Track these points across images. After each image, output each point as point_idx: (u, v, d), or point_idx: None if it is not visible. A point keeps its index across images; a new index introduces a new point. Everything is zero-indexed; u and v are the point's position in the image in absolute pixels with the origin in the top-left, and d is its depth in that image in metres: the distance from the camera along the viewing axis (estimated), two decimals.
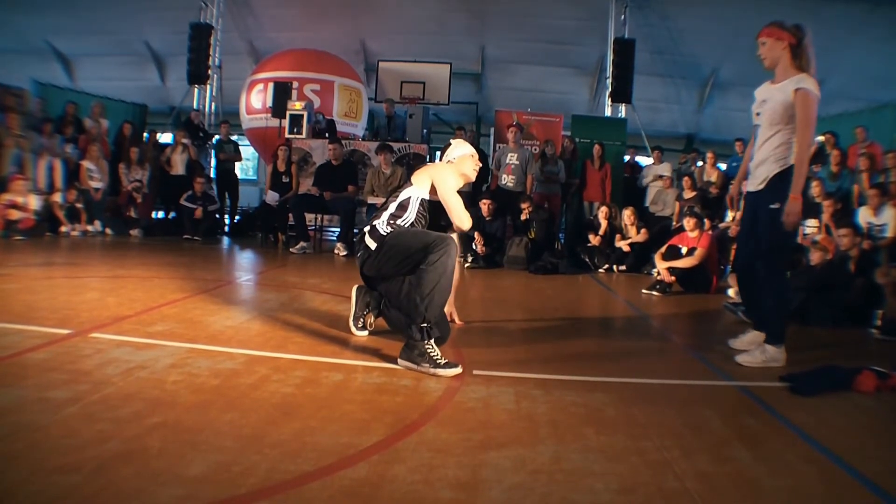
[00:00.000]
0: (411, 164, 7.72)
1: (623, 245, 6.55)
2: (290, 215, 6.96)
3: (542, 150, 7.83)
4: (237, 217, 9.29)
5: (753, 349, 2.83)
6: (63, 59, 13.25)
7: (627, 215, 6.64)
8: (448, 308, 2.74)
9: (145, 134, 9.22)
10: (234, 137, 9.40)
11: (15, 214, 6.36)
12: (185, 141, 8.45)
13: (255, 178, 14.08)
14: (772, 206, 2.74)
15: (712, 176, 7.77)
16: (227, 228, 8.78)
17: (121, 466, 1.42)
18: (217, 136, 9.37)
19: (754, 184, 2.87)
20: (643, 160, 9.59)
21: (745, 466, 1.66)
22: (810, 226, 5.54)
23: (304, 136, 8.13)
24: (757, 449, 1.78)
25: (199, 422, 1.73)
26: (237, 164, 9.36)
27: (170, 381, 2.06)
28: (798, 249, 5.05)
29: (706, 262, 5.21)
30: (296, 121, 8.16)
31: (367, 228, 2.71)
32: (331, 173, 7.02)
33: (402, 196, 2.71)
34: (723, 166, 8.24)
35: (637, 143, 10.28)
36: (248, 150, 12.04)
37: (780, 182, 2.73)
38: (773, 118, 2.75)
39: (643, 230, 6.60)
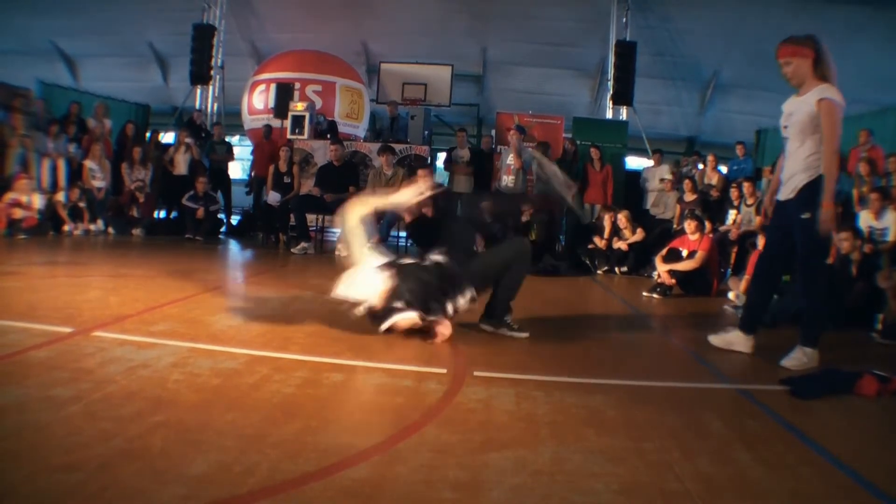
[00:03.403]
0: (412, 165, 7.73)
1: (621, 245, 6.56)
2: (292, 216, 6.98)
3: (541, 152, 7.82)
4: (237, 217, 9.31)
5: (795, 352, 2.85)
6: (67, 59, 13.28)
7: (621, 217, 6.66)
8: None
9: (147, 134, 9.25)
10: (235, 138, 9.42)
11: (18, 213, 6.38)
12: (188, 141, 8.47)
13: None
14: (803, 216, 2.79)
15: (713, 179, 7.77)
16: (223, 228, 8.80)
17: (123, 465, 1.43)
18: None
19: (785, 193, 2.92)
20: (639, 161, 9.58)
21: (746, 468, 1.66)
22: None
23: (305, 136, 8.14)
24: (757, 451, 1.78)
25: (201, 421, 1.73)
26: (233, 164, 9.37)
27: (171, 380, 2.07)
28: None
29: (707, 264, 5.21)
30: (297, 122, 8.18)
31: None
32: (332, 174, 7.03)
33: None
34: (724, 169, 8.23)
35: (638, 145, 10.28)
36: (247, 150, 12.06)
37: (809, 191, 2.79)
38: (801, 129, 2.82)
39: (639, 230, 6.61)
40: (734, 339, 3.05)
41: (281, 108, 8.58)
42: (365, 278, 2.87)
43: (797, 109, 2.84)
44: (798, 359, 2.82)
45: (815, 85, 2.78)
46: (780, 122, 2.98)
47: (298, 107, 8.29)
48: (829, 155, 2.73)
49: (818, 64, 2.79)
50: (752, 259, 4.52)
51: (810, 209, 2.75)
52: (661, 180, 8.03)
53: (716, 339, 3.12)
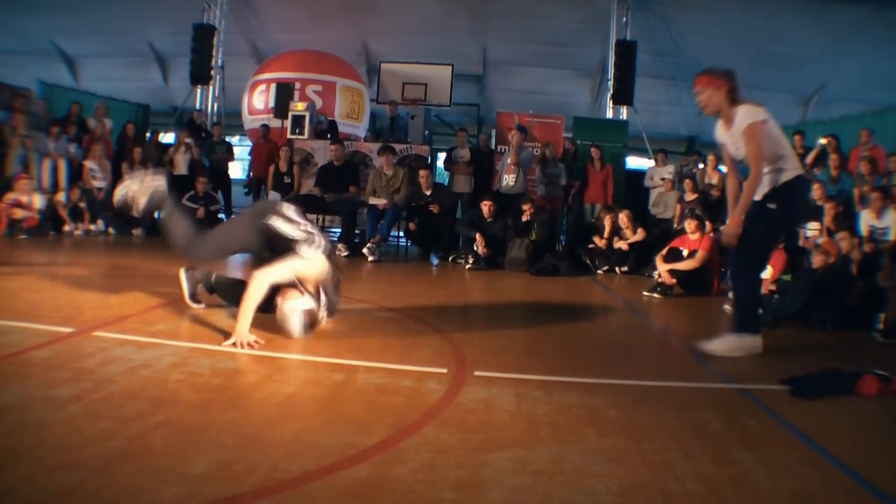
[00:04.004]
0: (413, 165, 7.73)
1: (622, 245, 6.56)
2: None
3: (543, 153, 7.84)
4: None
5: (722, 337, 2.96)
6: (68, 59, 13.28)
7: (622, 217, 6.65)
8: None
9: (148, 134, 9.25)
10: (235, 139, 9.41)
11: (19, 213, 6.40)
12: (188, 141, 8.48)
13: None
14: (769, 206, 2.92)
15: (713, 178, 7.76)
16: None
17: (123, 464, 1.43)
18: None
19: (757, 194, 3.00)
20: (640, 161, 9.56)
21: (747, 469, 1.66)
22: (812, 229, 5.53)
23: (305, 136, 8.15)
24: (758, 452, 1.78)
25: (201, 421, 1.73)
26: (233, 164, 9.37)
27: (172, 379, 2.07)
28: (800, 252, 5.05)
29: (707, 264, 5.21)
30: (298, 121, 8.18)
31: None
32: (332, 174, 7.04)
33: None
34: (724, 169, 8.22)
35: (639, 145, 10.27)
36: (247, 150, 12.07)
37: (779, 189, 2.92)
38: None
39: (640, 229, 6.60)
40: (725, 343, 3.02)
41: (281, 108, 8.58)
42: (297, 307, 2.80)
43: (737, 146, 2.96)
44: (721, 343, 2.93)
45: (734, 111, 2.93)
46: (724, 150, 3.12)
47: (299, 107, 8.29)
48: (751, 177, 2.86)
49: (732, 94, 2.96)
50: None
51: (776, 202, 2.89)
52: (662, 179, 8.03)
53: (723, 344, 3.07)
